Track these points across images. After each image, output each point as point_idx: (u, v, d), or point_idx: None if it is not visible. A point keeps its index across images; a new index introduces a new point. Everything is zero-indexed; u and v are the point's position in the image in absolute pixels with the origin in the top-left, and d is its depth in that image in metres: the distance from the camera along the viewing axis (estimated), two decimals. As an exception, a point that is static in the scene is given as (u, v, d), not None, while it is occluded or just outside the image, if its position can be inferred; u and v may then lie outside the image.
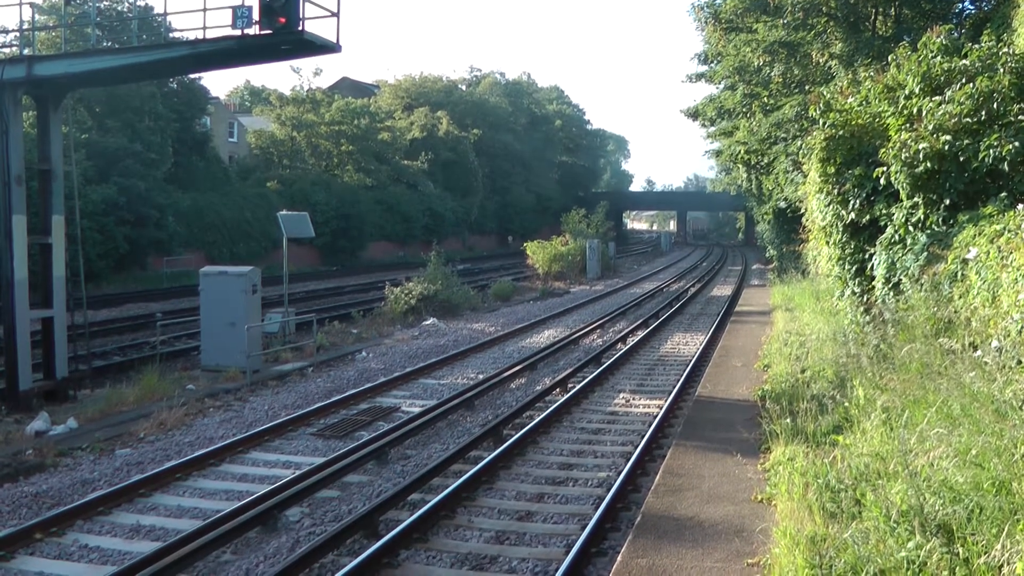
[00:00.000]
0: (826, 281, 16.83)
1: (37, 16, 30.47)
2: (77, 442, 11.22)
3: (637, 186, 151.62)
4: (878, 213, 11.76)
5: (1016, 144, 9.70)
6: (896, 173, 10.84)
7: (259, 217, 42.37)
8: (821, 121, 12.70)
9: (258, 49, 12.97)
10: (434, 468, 9.63)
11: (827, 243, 13.64)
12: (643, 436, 11.06)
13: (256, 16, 12.15)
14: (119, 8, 38.57)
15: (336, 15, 12.65)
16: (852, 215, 12.18)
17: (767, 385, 12.05)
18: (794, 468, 7.22)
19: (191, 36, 14.60)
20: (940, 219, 10.50)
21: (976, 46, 11.56)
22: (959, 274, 8.62)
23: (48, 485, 9.49)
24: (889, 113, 11.80)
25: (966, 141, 10.26)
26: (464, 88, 79.22)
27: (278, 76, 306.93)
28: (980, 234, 8.58)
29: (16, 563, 7.45)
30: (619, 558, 6.41)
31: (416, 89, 70.21)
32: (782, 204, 27.88)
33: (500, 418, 12.05)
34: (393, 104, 67.91)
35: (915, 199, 10.80)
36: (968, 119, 10.39)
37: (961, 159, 10.28)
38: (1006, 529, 4.47)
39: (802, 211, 17.33)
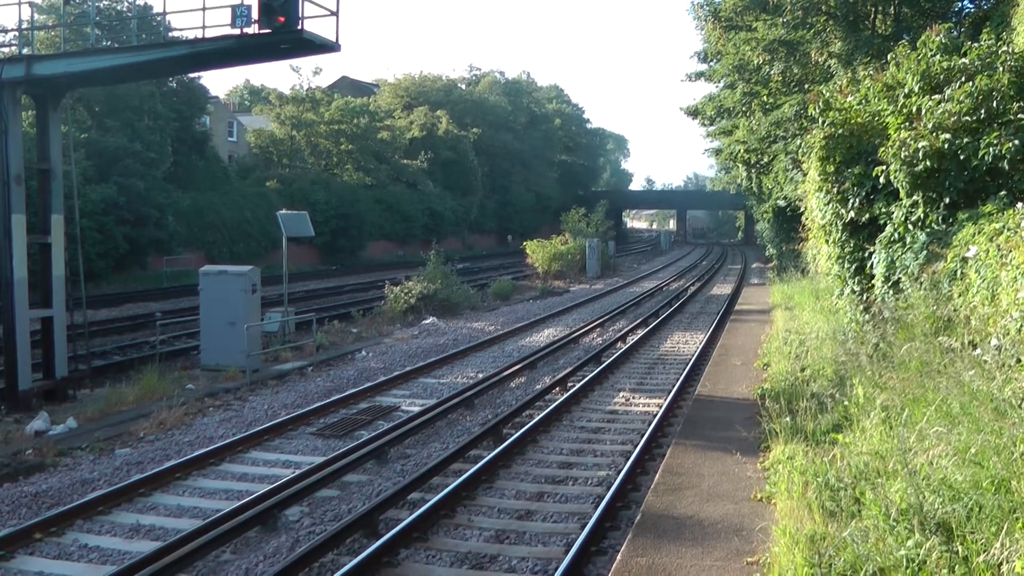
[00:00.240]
0: (826, 280, 16.83)
1: (36, 15, 30.46)
2: (77, 442, 11.22)
3: (637, 185, 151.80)
4: (878, 212, 11.76)
5: (1015, 142, 9.70)
6: (896, 172, 10.84)
7: (259, 216, 42.38)
8: (820, 120, 12.69)
9: (257, 48, 12.97)
10: (434, 467, 9.63)
11: (827, 242, 13.64)
12: (643, 435, 11.07)
13: (255, 15, 12.14)
14: (118, 7, 38.56)
15: (335, 14, 12.64)
16: (852, 214, 12.18)
17: (767, 384, 12.05)
18: (794, 467, 7.22)
19: (190, 35, 14.62)
20: (939, 217, 10.50)
21: (975, 45, 11.55)
22: (958, 272, 8.62)
23: (48, 485, 9.49)
24: (889, 112, 11.80)
25: (965, 139, 10.27)
26: (463, 87, 79.23)
27: (278, 75, 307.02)
28: (979, 232, 8.58)
29: (16, 563, 7.45)
30: (619, 557, 6.41)
31: (416, 88, 70.21)
32: (782, 203, 27.88)
33: (500, 417, 12.05)
34: (392, 103, 67.91)
35: (915, 197, 10.80)
36: (967, 117, 10.39)
37: (961, 157, 10.28)
38: (1005, 527, 4.47)
39: (802, 210, 17.33)
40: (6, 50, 15.71)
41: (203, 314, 16.43)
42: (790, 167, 23.17)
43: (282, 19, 12.01)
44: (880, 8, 21.68)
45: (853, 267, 12.76)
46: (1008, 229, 7.93)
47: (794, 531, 5.67)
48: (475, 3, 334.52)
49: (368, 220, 50.57)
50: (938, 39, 11.82)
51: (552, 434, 11.64)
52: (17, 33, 15.18)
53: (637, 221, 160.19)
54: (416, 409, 12.95)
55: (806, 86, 23.26)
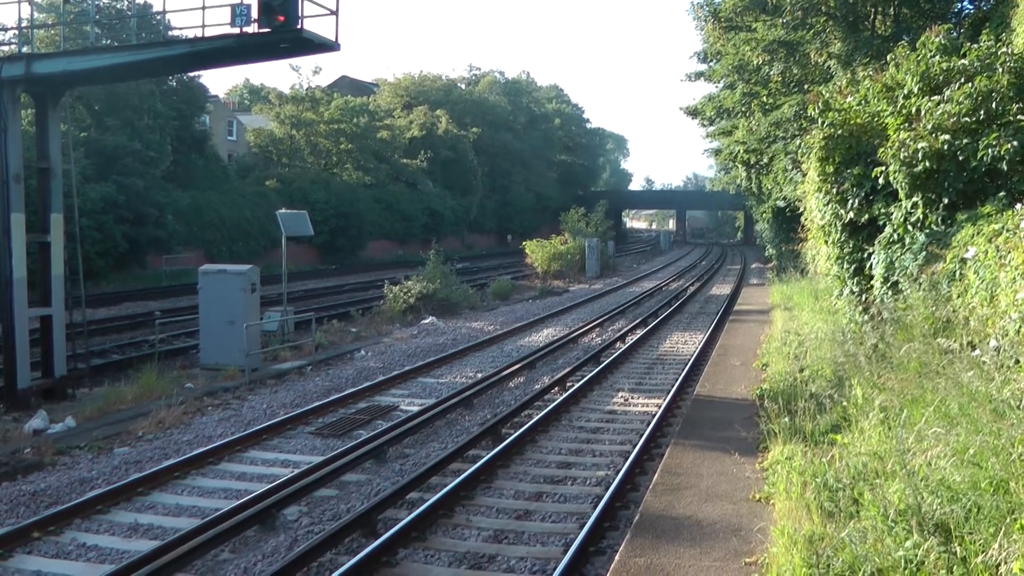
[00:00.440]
0: (825, 280, 16.83)
1: (36, 14, 30.45)
2: (75, 440, 11.22)
3: (636, 185, 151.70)
4: (877, 212, 11.76)
5: (1014, 143, 9.71)
6: (895, 172, 10.84)
7: (258, 216, 42.36)
8: (820, 120, 12.70)
9: (257, 47, 12.96)
10: (433, 467, 9.63)
11: (826, 242, 13.65)
12: (641, 435, 11.07)
13: (255, 14, 12.14)
14: (118, 6, 38.52)
15: (335, 13, 12.64)
16: (851, 214, 12.18)
17: (765, 384, 12.05)
18: (792, 467, 7.22)
19: (190, 34, 14.61)
20: (939, 218, 10.50)
21: (975, 46, 11.56)
22: (957, 273, 8.63)
23: (46, 484, 9.48)
24: (888, 112, 11.80)
25: (965, 140, 10.27)
26: (463, 87, 79.26)
27: (277, 74, 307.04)
28: (978, 233, 8.58)
29: (14, 562, 7.45)
30: (617, 557, 6.41)
31: (415, 88, 70.21)
32: (781, 203, 27.89)
33: (499, 417, 12.05)
34: (392, 103, 67.89)
35: (914, 198, 10.80)
36: (967, 119, 10.39)
37: (960, 158, 10.28)
38: (1003, 528, 4.47)
39: (801, 210, 17.33)
40: (6, 48, 15.70)
41: (202, 313, 16.43)
42: (789, 167, 23.19)
43: (282, 18, 12.01)
44: (880, 9, 21.69)
45: (852, 268, 12.76)
46: (1007, 230, 7.93)
47: (792, 531, 5.67)
48: (475, 3, 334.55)
49: (367, 219, 50.57)
50: (937, 40, 11.82)
51: (551, 434, 11.64)
52: (17, 31, 15.18)
53: (636, 221, 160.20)
54: (415, 409, 12.95)
55: (806, 87, 23.28)
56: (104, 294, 27.89)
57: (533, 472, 9.91)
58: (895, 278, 10.64)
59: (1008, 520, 4.55)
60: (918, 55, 11.80)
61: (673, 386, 14.03)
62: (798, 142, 19.73)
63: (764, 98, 26.73)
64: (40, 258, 14.00)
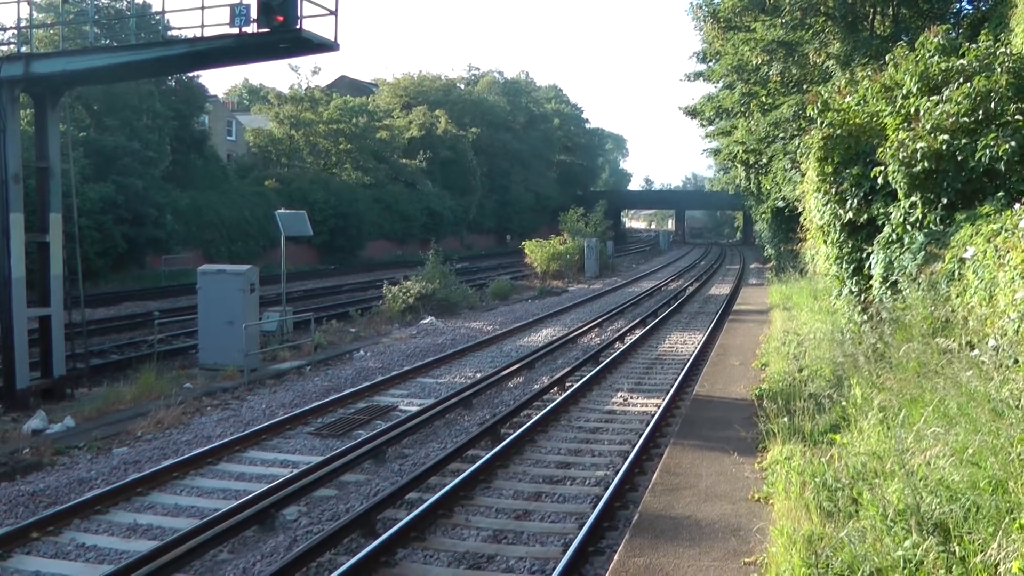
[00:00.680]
0: (824, 280, 16.83)
1: (35, 14, 30.41)
2: (74, 441, 11.21)
3: (635, 185, 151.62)
4: (876, 212, 11.76)
5: (1013, 144, 9.71)
6: (894, 172, 10.84)
7: (257, 216, 42.33)
8: (819, 120, 12.70)
9: (256, 47, 12.96)
10: (432, 467, 9.63)
11: (825, 242, 13.65)
12: (641, 435, 11.07)
13: (254, 14, 12.13)
14: (117, 6, 38.48)
15: (334, 13, 12.63)
16: (850, 214, 12.18)
17: (764, 384, 12.05)
18: (791, 467, 7.22)
19: (189, 34, 14.59)
20: (937, 218, 10.50)
21: (973, 46, 11.56)
22: (956, 273, 8.63)
23: (45, 484, 9.48)
24: (887, 113, 11.80)
25: (963, 140, 10.27)
26: (462, 87, 79.22)
27: (276, 74, 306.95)
28: (977, 233, 8.59)
29: (13, 562, 7.45)
30: (616, 557, 6.42)
31: (414, 88, 70.18)
32: (780, 203, 27.88)
33: (498, 417, 12.05)
34: (391, 103, 67.85)
35: (912, 198, 10.80)
36: (965, 119, 10.40)
37: (958, 158, 10.29)
38: (1002, 528, 4.47)
39: (800, 210, 17.34)
40: (4, 48, 15.68)
41: (201, 313, 16.43)
42: (788, 167, 23.19)
43: (281, 18, 12.00)
44: (878, 9, 21.71)
45: (851, 268, 12.77)
46: (1005, 230, 7.94)
47: (791, 531, 5.67)
48: (474, 3, 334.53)
49: (367, 220, 50.54)
50: (936, 40, 11.82)
51: (550, 434, 11.64)
52: (16, 31, 15.16)
53: (636, 221, 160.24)
54: (414, 409, 12.95)
55: (804, 87, 23.29)
56: (103, 294, 27.87)
57: (532, 472, 9.91)
58: (894, 278, 10.65)
59: (1007, 520, 4.55)
60: (917, 55, 11.81)
61: (672, 386, 14.04)
62: (797, 142, 19.74)
63: (763, 98, 26.75)
64: (39, 258, 13.98)
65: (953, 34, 14.83)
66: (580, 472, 9.93)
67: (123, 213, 33.00)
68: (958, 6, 22.16)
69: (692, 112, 34.59)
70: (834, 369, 10.68)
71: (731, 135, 32.07)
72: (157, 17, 33.67)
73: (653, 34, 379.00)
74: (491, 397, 14.13)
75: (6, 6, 22.17)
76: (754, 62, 24.24)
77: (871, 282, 11.73)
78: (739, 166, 31.34)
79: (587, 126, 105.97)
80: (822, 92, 14.11)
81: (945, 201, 10.50)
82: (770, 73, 24.53)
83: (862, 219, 12.10)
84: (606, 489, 8.82)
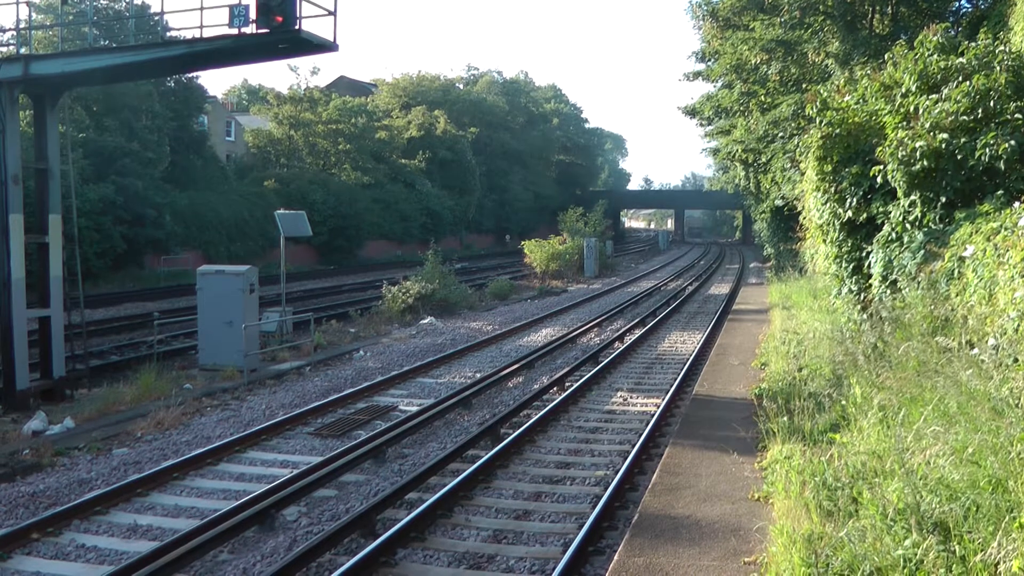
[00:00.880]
0: (823, 279, 16.83)
1: (34, 15, 30.39)
2: (74, 442, 11.20)
3: (635, 185, 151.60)
4: (875, 211, 11.76)
5: (1012, 142, 9.71)
6: (893, 171, 10.84)
7: (256, 216, 42.31)
8: (818, 119, 12.69)
9: (255, 48, 12.96)
10: (432, 467, 9.63)
11: (824, 241, 13.64)
12: (640, 435, 11.07)
13: (253, 15, 12.12)
14: (116, 7, 38.51)
15: (333, 14, 12.63)
16: (849, 213, 12.18)
17: (764, 383, 12.05)
18: (791, 466, 7.22)
19: (188, 35, 14.59)
20: (937, 217, 10.51)
21: (973, 44, 11.56)
22: (956, 272, 8.63)
23: (45, 485, 9.47)
24: (886, 111, 11.80)
25: (963, 139, 10.27)
26: (462, 87, 79.22)
27: (275, 75, 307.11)
28: (977, 232, 8.59)
29: (13, 563, 7.44)
30: (616, 557, 6.41)
31: (414, 88, 70.17)
32: (779, 202, 27.89)
33: (498, 417, 12.05)
34: (391, 103, 67.86)
35: (912, 197, 10.80)
36: (965, 117, 10.40)
37: (958, 157, 10.29)
38: (1002, 527, 4.47)
39: (799, 209, 17.34)
40: (4, 49, 15.67)
41: (201, 314, 16.42)
42: (788, 167, 23.19)
43: (280, 19, 12.00)
44: (878, 8, 21.70)
45: (851, 266, 12.77)
46: (1005, 228, 7.93)
47: (791, 531, 5.67)
48: (473, 3, 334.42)
49: (366, 220, 50.53)
50: (935, 39, 11.82)
51: (550, 434, 11.64)
52: (15, 32, 15.15)
53: (635, 221, 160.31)
54: (414, 409, 12.95)
55: (804, 86, 23.29)
56: (102, 295, 27.86)
57: (532, 472, 9.91)
58: (893, 277, 10.64)
59: (1007, 518, 4.55)
60: (916, 54, 11.80)
61: (672, 386, 14.04)
62: (796, 141, 19.75)
63: (762, 97, 26.74)
64: (38, 259, 13.98)
65: (952, 33, 14.86)
66: (580, 472, 9.93)
67: (122, 214, 33.00)
68: (957, 5, 22.17)
69: (691, 112, 34.57)
70: (834, 368, 10.67)
71: (730, 134, 32.08)
72: (156, 18, 33.69)
73: (652, 34, 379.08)
74: (491, 397, 14.13)
75: (5, 7, 22.16)
76: (753, 61, 24.23)
77: (870, 281, 11.73)
78: (738, 165, 31.36)
79: (586, 126, 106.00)
80: (821, 91, 14.10)
81: (944, 200, 10.50)
82: (769, 72, 24.52)
83: (861, 218, 12.10)
84: (606, 489, 8.82)
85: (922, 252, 9.79)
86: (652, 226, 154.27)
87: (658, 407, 12.54)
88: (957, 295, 8.41)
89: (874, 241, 11.62)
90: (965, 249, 8.49)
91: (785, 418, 8.70)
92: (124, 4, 38.51)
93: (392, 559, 7.32)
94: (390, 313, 24.12)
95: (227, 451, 10.69)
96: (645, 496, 7.83)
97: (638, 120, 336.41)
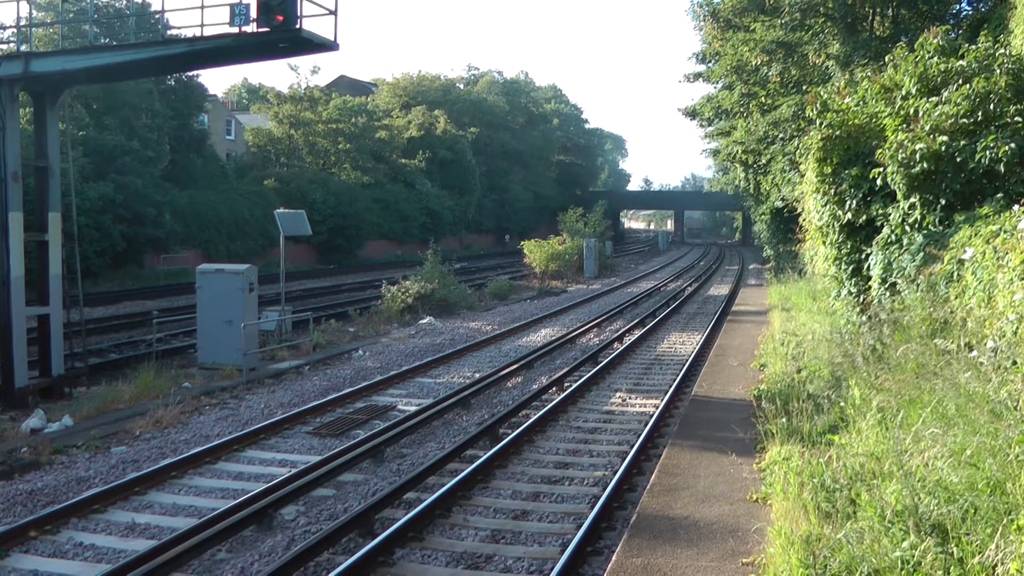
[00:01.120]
0: (823, 281, 16.85)
1: (34, 12, 30.40)
2: (72, 440, 11.20)
3: (634, 185, 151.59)
4: (875, 213, 11.78)
5: (1012, 145, 9.73)
6: (893, 173, 10.85)
7: (256, 215, 42.31)
8: (818, 121, 12.71)
9: (256, 47, 12.95)
10: (430, 467, 9.63)
11: (824, 243, 13.66)
12: (639, 435, 11.07)
13: (254, 14, 12.12)
14: (117, 5, 38.46)
15: (334, 13, 12.63)
16: (849, 215, 12.20)
17: (763, 385, 12.05)
18: (789, 468, 7.22)
19: (189, 33, 14.57)
20: (936, 219, 10.51)
21: (973, 47, 11.57)
22: (955, 274, 8.64)
23: (43, 483, 9.47)
24: (886, 114, 11.81)
25: (963, 142, 10.28)
26: (462, 87, 79.21)
27: (276, 74, 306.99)
28: (976, 235, 8.59)
29: (11, 561, 7.44)
30: (614, 557, 6.42)
31: (414, 88, 70.18)
32: (779, 204, 27.90)
33: (496, 417, 12.05)
34: (391, 103, 67.85)
35: (912, 199, 10.81)
36: (965, 120, 10.41)
37: (958, 160, 10.30)
38: (1000, 529, 4.47)
39: (799, 211, 17.36)
40: (4, 47, 15.70)
41: (200, 312, 16.42)
42: (788, 168, 23.20)
43: (280, 18, 11.99)
44: (878, 10, 21.71)
45: (850, 268, 12.78)
46: (1004, 231, 7.94)
47: (789, 532, 5.67)
48: (473, 3, 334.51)
49: (366, 219, 50.53)
50: (936, 41, 11.83)
51: (548, 434, 11.64)
52: (15, 30, 15.16)
53: (635, 221, 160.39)
54: (412, 409, 12.95)
55: (804, 87, 23.30)
56: (102, 293, 27.85)
57: (531, 472, 9.91)
58: (893, 279, 10.65)
59: (1005, 521, 4.56)
60: (916, 56, 11.81)
61: (671, 387, 14.04)
62: (796, 143, 19.75)
63: (762, 99, 26.75)
64: (38, 257, 13.98)
65: (952, 35, 14.85)
66: (578, 472, 9.93)
67: (122, 212, 32.99)
68: (958, 7, 22.18)
69: (691, 113, 34.58)
70: (832, 370, 10.68)
71: (730, 135, 32.06)
72: (156, 16, 33.72)
73: (652, 35, 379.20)
74: (490, 397, 14.13)
75: (6, 5, 22.13)
76: (753, 63, 24.25)
77: (870, 283, 11.74)
78: (738, 166, 31.36)
79: (586, 126, 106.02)
80: (821, 93, 14.11)
81: (944, 202, 10.51)
82: (769, 74, 24.54)
83: (861, 220, 12.11)
84: (604, 489, 8.82)
85: (921, 254, 9.80)
86: (652, 227, 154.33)
87: (657, 408, 12.54)
88: (956, 298, 8.42)
89: (873, 243, 11.63)
90: (964, 252, 8.49)
91: (784, 419, 8.71)
92: (125, 2, 38.46)
93: (390, 559, 7.31)
94: (389, 313, 24.12)
95: (225, 450, 10.69)
96: (643, 497, 7.83)
97: (638, 121, 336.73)
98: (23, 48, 14.72)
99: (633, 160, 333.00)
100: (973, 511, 4.84)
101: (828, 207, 12.70)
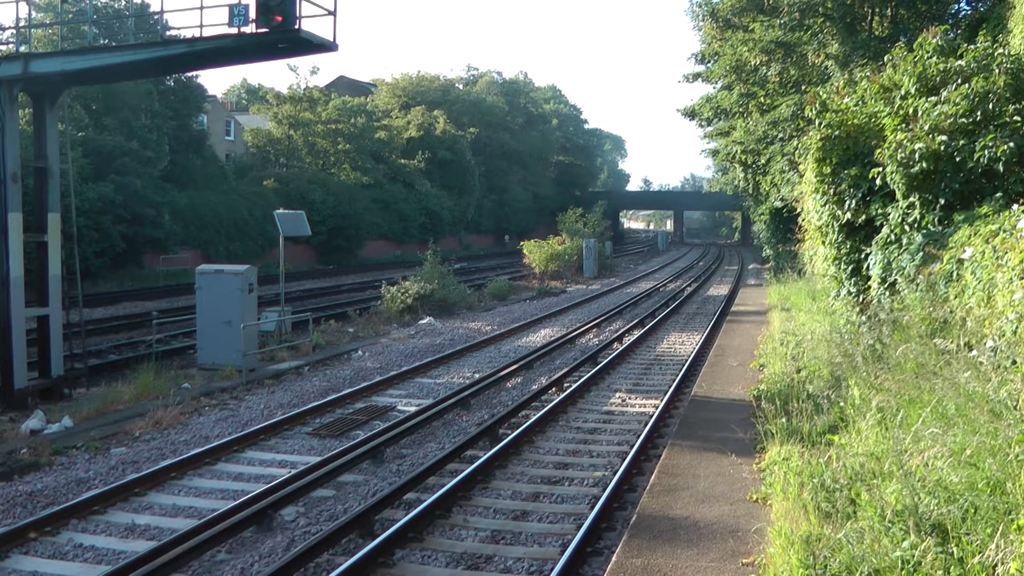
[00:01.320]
0: (822, 281, 16.84)
1: (33, 13, 30.37)
2: (72, 441, 11.20)
3: (634, 186, 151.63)
4: (874, 213, 11.78)
5: (1011, 144, 9.73)
6: (892, 173, 10.85)
7: (256, 216, 42.30)
8: (817, 121, 12.71)
9: (255, 47, 12.95)
10: (430, 467, 9.62)
11: (823, 243, 13.66)
12: (639, 436, 11.07)
13: (253, 14, 12.11)
14: (116, 6, 38.47)
15: (333, 14, 12.63)
16: (848, 215, 12.19)
17: (763, 385, 12.06)
18: (789, 468, 7.22)
19: (188, 34, 14.56)
20: (936, 219, 10.51)
21: (972, 47, 11.58)
22: (954, 274, 8.64)
23: (43, 484, 9.46)
24: (885, 113, 11.81)
25: (962, 141, 10.29)
26: (461, 87, 79.18)
27: (275, 74, 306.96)
28: (975, 234, 8.59)
29: (10, 562, 7.44)
30: (614, 558, 6.42)
31: (413, 88, 70.15)
32: (778, 204, 27.90)
33: (496, 417, 12.05)
34: (390, 103, 67.83)
35: (911, 199, 10.82)
36: (964, 119, 10.41)
37: (956, 159, 10.30)
38: (1000, 529, 4.47)
39: (798, 211, 17.35)
40: (3, 48, 15.67)
41: (199, 313, 16.41)
42: (787, 168, 23.20)
43: (279, 18, 11.99)
44: (877, 10, 21.73)
45: (849, 268, 12.78)
46: (1004, 231, 7.94)
47: (789, 532, 5.67)
48: (473, 3, 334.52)
49: (365, 220, 50.52)
50: (935, 41, 11.83)
51: (548, 435, 11.64)
52: (14, 31, 15.14)
53: (634, 222, 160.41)
54: (412, 409, 12.94)
55: (803, 87, 23.30)
56: (101, 294, 27.84)
57: (530, 473, 9.91)
58: (892, 279, 10.65)
59: (1005, 520, 4.56)
60: (915, 56, 11.82)
61: (670, 387, 14.04)
62: (795, 143, 19.75)
63: (762, 99, 26.75)
64: (37, 258, 13.96)
65: (951, 35, 14.86)
66: (578, 473, 9.93)
67: (121, 213, 32.97)
68: (956, 7, 22.19)
69: (691, 113, 34.55)
70: (832, 370, 10.68)
71: (729, 136, 32.05)
72: (155, 17, 33.65)
73: (652, 35, 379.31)
74: (489, 398, 14.13)
75: (5, 6, 22.13)
76: (753, 62, 24.24)
77: (869, 283, 11.74)
78: (737, 167, 31.36)
79: (586, 126, 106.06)
80: (820, 93, 14.11)
81: (943, 202, 10.51)
82: (769, 74, 24.54)
83: (860, 220, 12.11)
84: (604, 490, 8.82)
85: (921, 254, 9.80)
86: (651, 227, 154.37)
87: (656, 408, 12.54)
88: (956, 297, 8.42)
89: (873, 243, 11.63)
90: (964, 251, 8.49)
91: (783, 419, 8.71)
92: (124, 3, 38.46)
93: (390, 559, 7.31)
94: (389, 313, 24.11)
95: (225, 451, 10.68)
96: (643, 497, 7.83)
97: (637, 121, 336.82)
98: (22, 49, 14.71)
99: (632, 160, 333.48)
100: (973, 511, 4.84)
101: (827, 207, 12.70)
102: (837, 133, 12.31)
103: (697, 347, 18.36)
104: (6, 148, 13.07)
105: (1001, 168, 9.88)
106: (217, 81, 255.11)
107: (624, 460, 9.88)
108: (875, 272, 11.29)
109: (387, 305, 24.48)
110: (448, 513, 8.45)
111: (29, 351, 13.73)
